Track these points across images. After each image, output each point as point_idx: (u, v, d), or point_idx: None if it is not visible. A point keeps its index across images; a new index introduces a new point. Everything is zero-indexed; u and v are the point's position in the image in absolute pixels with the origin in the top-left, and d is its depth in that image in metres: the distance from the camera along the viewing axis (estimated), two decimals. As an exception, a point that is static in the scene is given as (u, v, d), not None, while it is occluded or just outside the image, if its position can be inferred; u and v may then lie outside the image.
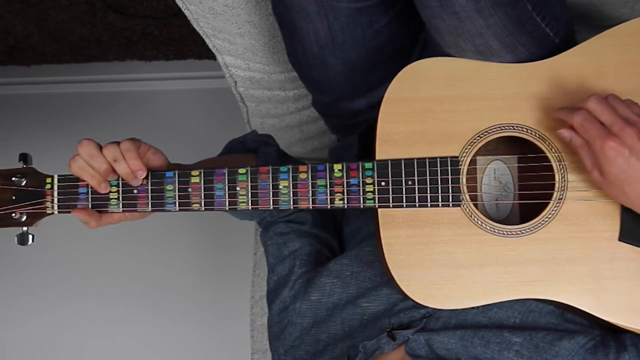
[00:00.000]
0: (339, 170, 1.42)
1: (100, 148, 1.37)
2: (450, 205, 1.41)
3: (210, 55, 2.21)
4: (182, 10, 1.96)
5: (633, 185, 1.29)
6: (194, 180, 1.42)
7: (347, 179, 1.42)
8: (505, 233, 1.41)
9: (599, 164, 1.30)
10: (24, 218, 1.42)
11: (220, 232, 2.86)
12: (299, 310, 1.61)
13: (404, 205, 1.41)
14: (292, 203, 1.42)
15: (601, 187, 1.35)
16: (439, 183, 1.41)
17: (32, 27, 3.09)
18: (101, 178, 1.38)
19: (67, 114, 3.04)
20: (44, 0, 3.06)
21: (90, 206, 1.42)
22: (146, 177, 1.40)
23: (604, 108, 1.30)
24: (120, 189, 1.41)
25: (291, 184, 1.42)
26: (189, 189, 1.42)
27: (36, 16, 3.08)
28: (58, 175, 1.42)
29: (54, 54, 3.12)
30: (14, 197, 1.41)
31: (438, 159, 1.41)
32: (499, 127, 1.42)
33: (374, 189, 1.42)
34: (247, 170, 1.42)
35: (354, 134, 1.86)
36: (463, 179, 1.41)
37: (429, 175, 1.41)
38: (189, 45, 3.03)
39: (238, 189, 1.42)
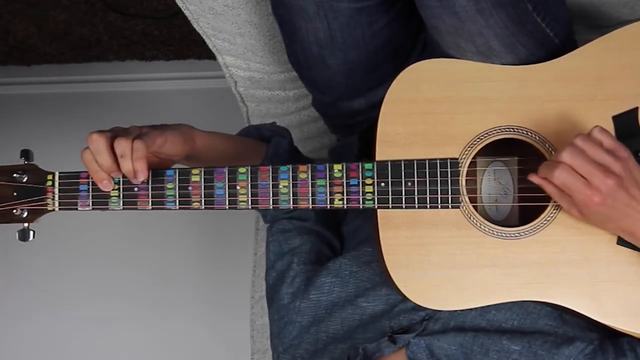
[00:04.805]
0: (338, 170, 1.42)
1: (112, 141, 1.35)
2: (450, 206, 1.41)
3: (210, 55, 2.21)
4: (182, 10, 1.97)
5: (615, 222, 1.33)
6: (194, 178, 1.42)
7: (346, 179, 1.42)
8: (503, 235, 1.41)
9: (580, 209, 1.33)
10: (25, 214, 1.42)
11: (220, 232, 2.86)
12: (298, 309, 1.61)
13: (403, 207, 1.42)
14: (291, 203, 1.42)
15: (582, 221, 1.38)
16: (439, 185, 1.41)
17: (32, 27, 3.09)
18: (104, 175, 1.37)
19: (67, 114, 3.04)
20: (44, 0, 3.06)
21: (90, 203, 1.42)
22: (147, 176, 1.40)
23: (580, 161, 1.29)
24: (121, 186, 1.41)
25: (291, 184, 1.42)
26: (189, 188, 1.42)
27: (36, 16, 3.08)
28: (59, 172, 1.42)
29: (54, 54, 3.12)
30: (15, 194, 1.41)
31: (438, 161, 1.41)
32: (499, 130, 1.43)
33: (374, 189, 1.42)
34: (247, 170, 1.42)
35: (353, 134, 1.87)
36: (462, 180, 1.41)
37: (429, 177, 1.41)
38: (189, 45, 3.03)
39: (238, 187, 1.42)
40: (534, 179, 1.36)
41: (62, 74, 3.12)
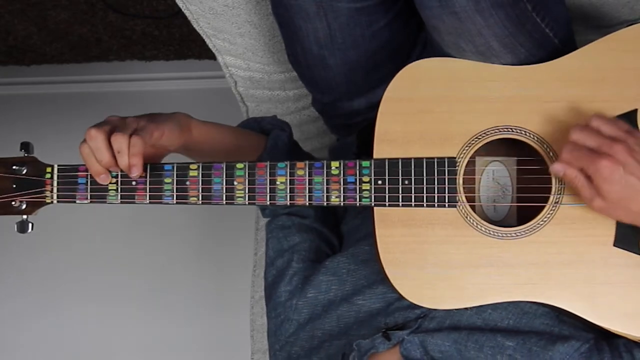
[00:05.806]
0: (336, 167, 1.42)
1: (109, 136, 1.36)
2: (446, 205, 1.41)
3: (210, 55, 2.21)
4: (182, 10, 1.97)
5: (635, 199, 1.29)
6: (192, 173, 1.42)
7: (344, 176, 1.42)
8: (500, 235, 1.41)
9: (598, 188, 1.29)
10: (24, 206, 1.43)
11: (220, 232, 2.86)
12: (295, 307, 1.61)
13: (400, 205, 1.42)
14: (288, 199, 1.43)
15: (605, 213, 1.33)
16: (435, 183, 1.41)
17: (32, 27, 3.10)
18: (101, 169, 1.38)
19: (67, 113, 3.05)
20: (44, 0, 3.07)
21: (89, 197, 1.43)
22: (145, 170, 1.41)
23: (587, 134, 1.30)
24: (119, 179, 1.42)
25: (288, 180, 1.42)
26: (187, 182, 1.42)
27: (36, 16, 3.08)
28: (58, 165, 1.43)
29: (54, 54, 3.12)
30: (14, 186, 1.42)
31: (435, 159, 1.41)
32: (497, 129, 1.43)
33: (371, 187, 1.42)
34: (244, 165, 1.43)
35: (353, 133, 1.87)
36: (460, 179, 1.41)
37: (426, 175, 1.41)
38: (189, 45, 3.04)
39: (235, 183, 1.42)
40: (556, 167, 1.32)
41: (62, 74, 3.14)
